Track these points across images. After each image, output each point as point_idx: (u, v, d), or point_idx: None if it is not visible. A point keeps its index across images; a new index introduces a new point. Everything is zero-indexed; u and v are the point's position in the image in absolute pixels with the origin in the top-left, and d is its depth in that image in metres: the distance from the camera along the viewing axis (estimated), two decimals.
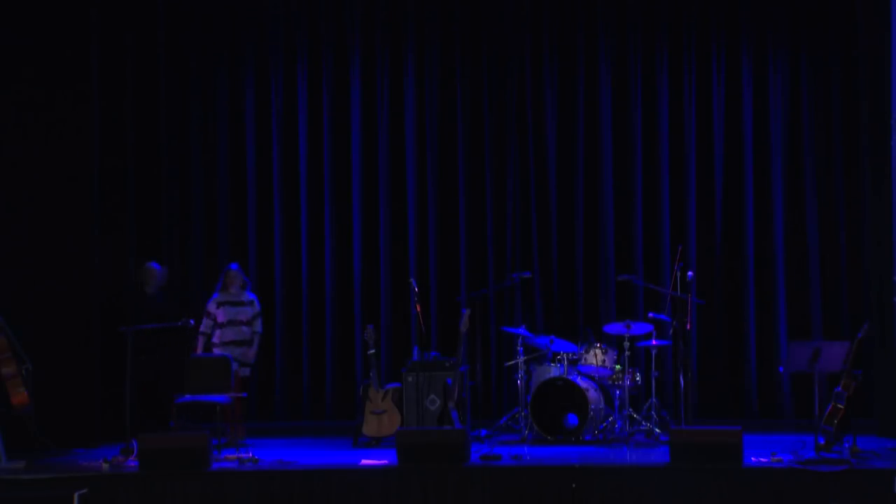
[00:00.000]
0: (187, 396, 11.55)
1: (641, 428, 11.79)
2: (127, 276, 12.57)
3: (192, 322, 11.63)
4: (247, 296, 12.28)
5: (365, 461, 10.58)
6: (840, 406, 10.60)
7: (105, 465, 10.43)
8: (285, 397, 13.70)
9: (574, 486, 9.75)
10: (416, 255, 13.75)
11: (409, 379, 12.02)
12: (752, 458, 10.15)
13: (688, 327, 11.49)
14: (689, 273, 11.50)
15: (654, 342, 11.98)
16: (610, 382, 12.07)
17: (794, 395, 13.22)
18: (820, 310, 13.38)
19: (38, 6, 12.11)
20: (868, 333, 10.98)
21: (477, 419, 12.36)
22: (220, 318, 12.16)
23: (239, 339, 12.14)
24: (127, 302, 12.28)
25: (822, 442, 10.47)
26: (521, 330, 12.23)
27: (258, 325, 12.29)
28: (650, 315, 11.99)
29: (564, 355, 12.03)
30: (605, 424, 11.92)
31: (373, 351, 12.00)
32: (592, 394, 11.83)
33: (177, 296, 12.94)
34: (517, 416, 12.08)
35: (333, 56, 13.84)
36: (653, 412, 11.83)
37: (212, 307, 12.18)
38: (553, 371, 12.01)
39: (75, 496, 9.69)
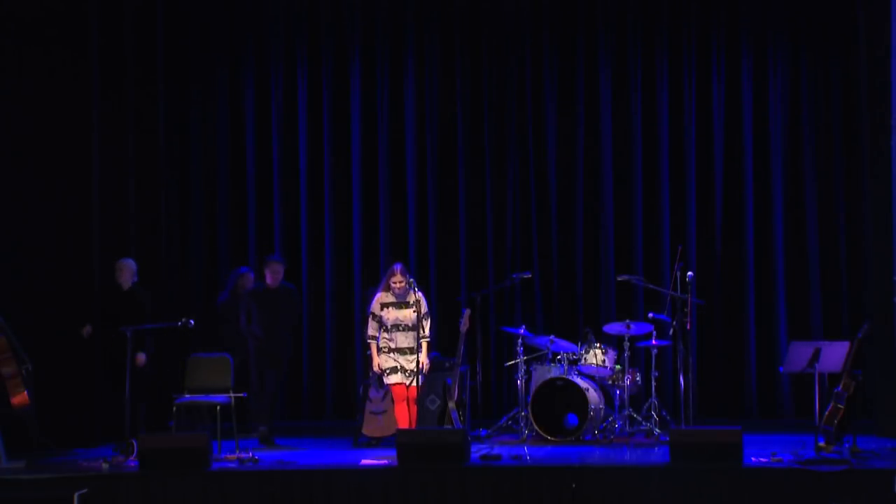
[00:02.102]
0: (187, 396, 11.54)
1: (641, 428, 11.78)
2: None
3: (192, 322, 11.57)
4: (412, 296, 11.23)
5: (365, 461, 10.57)
6: (840, 406, 10.60)
7: (105, 465, 10.42)
8: (286, 397, 13.68)
9: (574, 486, 9.74)
10: (416, 255, 13.75)
11: None
12: (752, 458, 10.13)
13: (688, 327, 11.48)
14: (690, 273, 11.50)
15: (654, 342, 11.98)
16: (610, 382, 12.06)
17: (794, 395, 13.23)
18: (820, 310, 13.38)
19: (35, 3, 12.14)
20: (868, 333, 10.98)
21: (477, 419, 12.36)
22: (387, 322, 11.19)
23: (406, 344, 11.14)
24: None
25: (822, 442, 10.46)
26: (521, 330, 12.21)
27: (426, 329, 11.15)
28: (650, 315, 11.98)
29: (564, 355, 12.03)
30: (605, 424, 11.91)
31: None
32: (592, 394, 11.82)
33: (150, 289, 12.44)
34: (517, 416, 12.06)
35: (333, 56, 13.84)
36: (653, 412, 11.82)
37: (376, 308, 11.19)
38: (553, 371, 12.00)
39: (75, 496, 9.68)
